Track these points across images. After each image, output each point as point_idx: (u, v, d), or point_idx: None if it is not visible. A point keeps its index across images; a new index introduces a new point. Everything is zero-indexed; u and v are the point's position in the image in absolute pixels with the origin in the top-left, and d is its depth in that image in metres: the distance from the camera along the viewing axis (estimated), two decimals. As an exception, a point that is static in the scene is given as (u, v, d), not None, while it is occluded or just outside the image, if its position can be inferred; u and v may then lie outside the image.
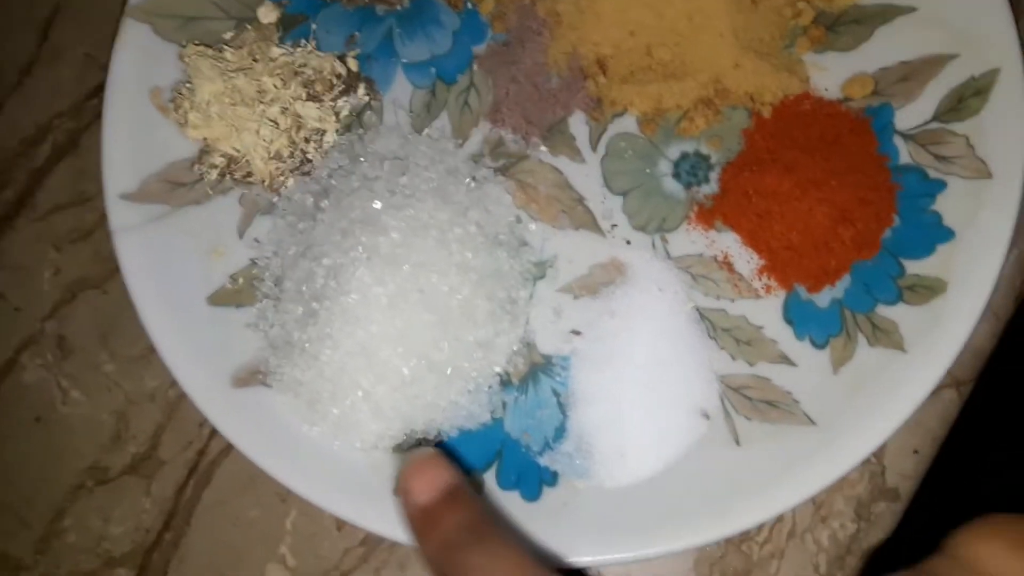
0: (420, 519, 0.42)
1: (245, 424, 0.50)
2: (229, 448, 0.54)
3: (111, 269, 0.56)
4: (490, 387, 0.51)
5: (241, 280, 0.53)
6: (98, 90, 0.59)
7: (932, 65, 0.53)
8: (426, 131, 0.55)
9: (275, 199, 0.55)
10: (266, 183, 0.55)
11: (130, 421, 0.55)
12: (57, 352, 0.57)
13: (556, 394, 0.51)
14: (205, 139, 0.55)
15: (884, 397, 0.48)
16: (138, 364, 0.56)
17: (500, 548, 0.39)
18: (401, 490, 0.43)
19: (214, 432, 0.54)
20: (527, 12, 0.56)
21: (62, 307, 0.57)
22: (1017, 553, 0.33)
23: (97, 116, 0.58)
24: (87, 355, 0.56)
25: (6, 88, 0.61)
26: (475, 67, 0.56)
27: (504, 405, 0.51)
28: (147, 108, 0.55)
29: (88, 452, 0.55)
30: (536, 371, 0.51)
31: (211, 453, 0.55)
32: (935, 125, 0.52)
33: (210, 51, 0.55)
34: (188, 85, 0.54)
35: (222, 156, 0.54)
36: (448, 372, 0.50)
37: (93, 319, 0.57)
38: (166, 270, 0.52)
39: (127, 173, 0.53)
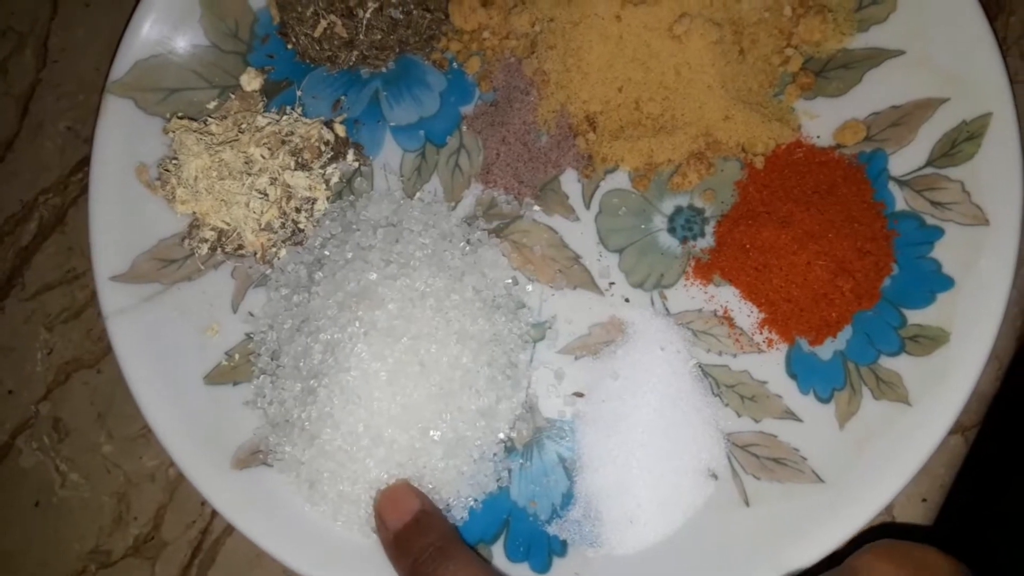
0: (393, 545, 0.46)
1: (247, 505, 0.50)
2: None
3: (104, 347, 0.56)
4: (495, 455, 0.50)
5: (237, 356, 0.53)
6: (82, 164, 0.59)
7: (923, 109, 0.52)
8: (418, 195, 0.55)
9: (268, 271, 0.54)
10: (258, 255, 0.54)
11: (131, 502, 0.55)
12: (53, 435, 0.56)
13: (562, 459, 0.50)
14: (194, 214, 0.54)
15: (892, 452, 0.48)
16: (137, 443, 0.55)
17: (465, 566, 0.44)
18: (376, 519, 0.47)
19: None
20: (514, 71, 0.56)
21: (56, 388, 0.56)
22: (899, 572, 0.41)
23: (83, 191, 0.58)
24: (84, 436, 0.56)
25: (-11, 165, 0.60)
26: (464, 128, 0.55)
27: (509, 473, 0.50)
28: (134, 186, 0.54)
29: (89, 535, 0.54)
30: (540, 436, 0.51)
31: (215, 531, 0.54)
32: (930, 170, 0.52)
33: (195, 124, 0.54)
34: (174, 160, 0.54)
35: (212, 230, 0.54)
36: (451, 444, 0.49)
37: (89, 399, 0.56)
38: (161, 351, 0.52)
39: (117, 254, 0.53)
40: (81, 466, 0.55)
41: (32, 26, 0.61)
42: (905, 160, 0.52)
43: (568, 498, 0.50)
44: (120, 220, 0.53)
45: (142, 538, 0.54)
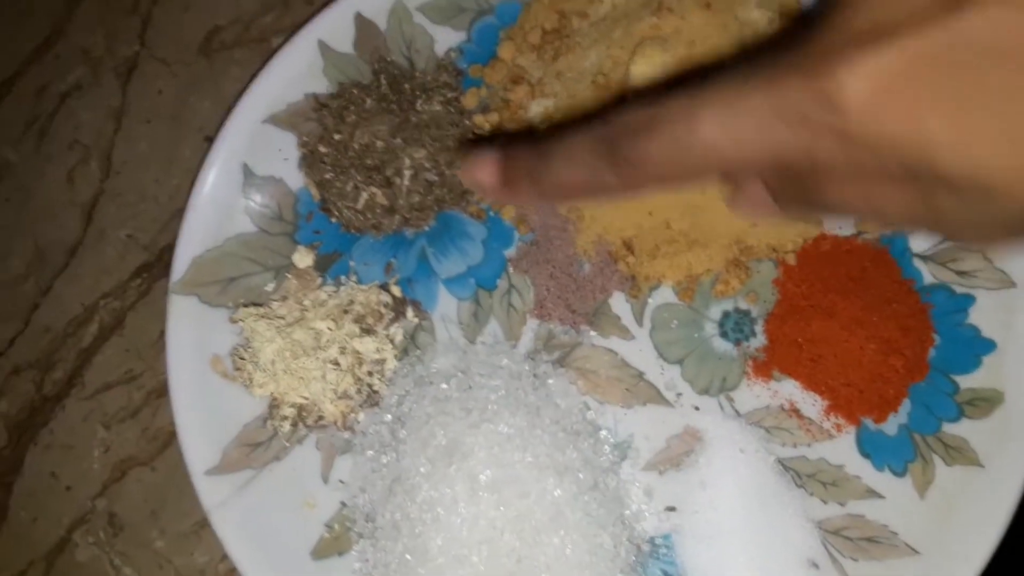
0: (501, 188, 0.37)
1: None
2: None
3: (159, 446, 0.59)
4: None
5: (337, 526, 0.54)
6: (141, 270, 0.63)
7: (929, 187, 0.57)
8: (479, 339, 0.58)
9: (350, 436, 0.56)
10: (338, 423, 0.56)
11: (182, 598, 0.57)
12: (108, 530, 0.58)
13: None
14: (271, 394, 0.56)
15: (976, 513, 0.50)
16: (188, 540, 0.58)
17: (567, 148, 0.34)
18: (472, 185, 0.38)
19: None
20: (548, 211, 0.59)
21: (112, 485, 0.59)
22: None
23: (140, 296, 0.62)
24: (138, 532, 0.58)
25: (54, 269, 0.63)
26: (511, 270, 0.59)
27: (623, 598, 0.52)
28: (211, 378, 0.56)
29: (142, 631, 0.56)
30: (643, 557, 0.53)
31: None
32: (948, 244, 0.56)
33: (262, 310, 0.57)
34: (249, 348, 0.56)
35: (291, 407, 0.56)
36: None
37: (142, 496, 0.59)
38: (266, 534, 0.53)
39: (206, 448, 0.54)
40: (134, 561, 0.58)
41: (97, 139, 0.65)
42: (924, 237, 0.56)
43: (683, 612, 0.51)
44: (204, 415, 0.55)
45: (192, 634, 0.56)
